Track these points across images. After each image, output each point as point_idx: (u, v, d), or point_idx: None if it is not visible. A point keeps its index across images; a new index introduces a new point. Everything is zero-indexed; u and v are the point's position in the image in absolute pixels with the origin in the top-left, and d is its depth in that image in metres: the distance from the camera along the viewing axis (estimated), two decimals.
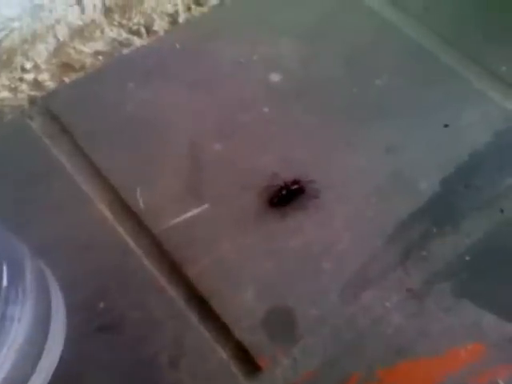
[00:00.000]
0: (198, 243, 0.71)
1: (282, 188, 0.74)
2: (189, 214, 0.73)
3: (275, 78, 0.89)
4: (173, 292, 0.67)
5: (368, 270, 0.69)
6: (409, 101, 0.83)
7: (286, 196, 0.74)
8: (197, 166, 0.78)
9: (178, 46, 0.95)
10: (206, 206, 0.74)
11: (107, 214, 0.73)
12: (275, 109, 0.84)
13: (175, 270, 0.69)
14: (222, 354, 0.61)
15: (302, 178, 0.75)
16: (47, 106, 0.84)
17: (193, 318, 0.65)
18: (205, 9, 1.02)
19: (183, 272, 0.68)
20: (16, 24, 0.91)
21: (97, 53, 0.95)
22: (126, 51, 0.95)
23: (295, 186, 0.75)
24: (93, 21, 0.99)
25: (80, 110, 0.83)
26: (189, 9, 1.03)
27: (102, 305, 0.61)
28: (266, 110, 0.84)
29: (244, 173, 0.76)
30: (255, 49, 0.91)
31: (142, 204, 0.73)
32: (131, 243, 0.71)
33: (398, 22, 0.91)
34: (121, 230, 0.72)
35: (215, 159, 0.78)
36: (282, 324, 0.64)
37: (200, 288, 0.67)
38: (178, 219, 0.72)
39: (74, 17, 0.97)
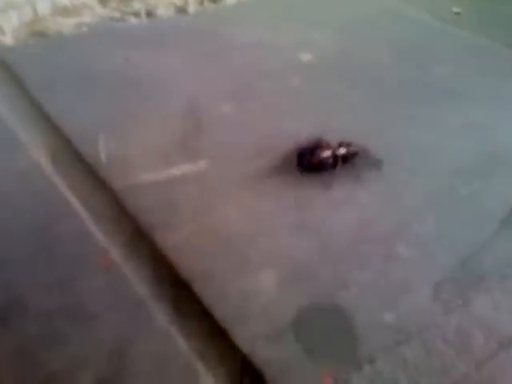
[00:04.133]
0: (183, 205, 0.43)
1: (324, 149, 0.49)
2: (175, 171, 0.46)
3: (305, 57, 0.69)
4: (132, 273, 0.37)
5: (478, 261, 0.40)
6: (479, 86, 0.65)
7: (332, 161, 0.48)
8: (195, 124, 0.53)
9: (183, 24, 0.76)
10: (202, 162, 0.47)
11: (43, 162, 0.46)
12: (306, 82, 0.62)
13: (139, 240, 0.40)
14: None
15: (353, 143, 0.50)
16: (1, 58, 0.62)
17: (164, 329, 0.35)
18: (219, 6, 0.87)
19: (152, 242, 0.39)
20: None
21: (80, 24, 0.76)
22: (118, 25, 0.76)
23: (343, 151, 0.49)
24: (84, 3, 0.82)
25: (41, 64, 0.64)
26: (201, 3, 0.87)
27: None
28: (294, 81, 0.62)
29: (262, 135, 0.52)
30: (280, 34, 0.73)
31: (103, 155, 0.47)
32: (74, 202, 0.43)
33: (437, 25, 0.77)
34: (60, 182, 0.44)
35: (222, 120, 0.54)
36: (331, 335, 0.33)
37: (178, 268, 0.37)
38: (155, 175, 0.45)
39: None
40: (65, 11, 0.80)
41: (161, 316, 0.34)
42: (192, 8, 0.86)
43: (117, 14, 0.81)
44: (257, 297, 0.36)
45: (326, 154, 0.49)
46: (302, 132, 0.53)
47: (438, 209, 0.45)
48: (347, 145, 0.50)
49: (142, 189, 0.44)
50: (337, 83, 0.64)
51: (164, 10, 0.84)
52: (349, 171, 0.49)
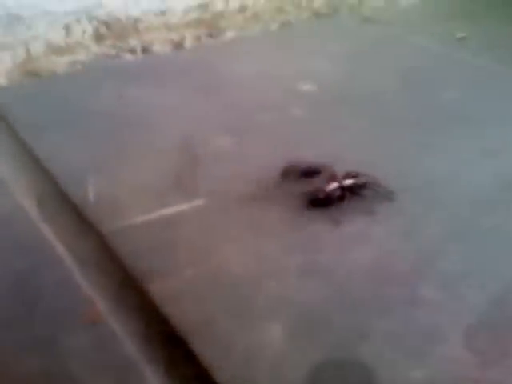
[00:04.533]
0: (178, 249, 0.39)
1: (330, 181, 0.45)
2: (169, 211, 0.42)
3: (306, 86, 0.66)
4: (120, 328, 0.33)
5: None
6: (490, 110, 0.62)
7: (340, 194, 0.44)
8: (190, 161, 0.49)
9: (179, 59, 0.74)
10: (198, 200, 0.43)
11: (28, 205, 0.42)
12: (308, 112, 0.59)
13: (129, 290, 0.35)
14: None
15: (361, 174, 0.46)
16: None
17: None
18: (217, 41, 0.85)
19: (143, 292, 0.35)
20: None
21: (74, 62, 0.74)
22: (113, 62, 0.74)
23: (350, 181, 0.45)
24: (78, 43, 0.80)
25: (31, 104, 0.62)
26: (198, 38, 0.85)
27: None
28: (296, 112, 0.59)
29: (262, 168, 0.48)
30: (280, 65, 0.72)
31: (92, 196, 0.43)
32: (59, 248, 0.39)
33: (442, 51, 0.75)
34: (45, 227, 0.40)
35: (219, 154, 0.50)
36: None
37: (173, 323, 0.33)
38: (148, 216, 0.41)
39: (57, 38, 0.79)
40: (59, 50, 0.78)
41: (153, 380, 0.30)
42: (189, 43, 0.84)
43: (112, 52, 0.80)
44: (263, 353, 0.31)
45: (333, 185, 0.45)
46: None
47: (461, 243, 0.41)
48: (354, 176, 0.46)
49: (133, 231, 0.40)
50: (340, 112, 0.61)
51: (160, 46, 0.82)
52: (358, 204, 0.44)
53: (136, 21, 0.85)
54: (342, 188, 0.45)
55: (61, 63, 0.74)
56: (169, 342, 0.32)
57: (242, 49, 0.80)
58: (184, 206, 0.43)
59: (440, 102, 0.64)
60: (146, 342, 0.32)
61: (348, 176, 0.46)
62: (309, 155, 0.51)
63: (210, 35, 0.87)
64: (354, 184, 0.45)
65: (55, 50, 0.78)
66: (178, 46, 0.82)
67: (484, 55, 0.78)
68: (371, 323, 0.34)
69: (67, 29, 0.82)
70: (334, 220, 0.43)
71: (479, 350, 0.32)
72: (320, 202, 0.44)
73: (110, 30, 0.84)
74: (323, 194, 0.44)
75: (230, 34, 0.88)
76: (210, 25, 0.90)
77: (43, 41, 0.79)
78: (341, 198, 0.45)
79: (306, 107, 0.62)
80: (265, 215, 0.42)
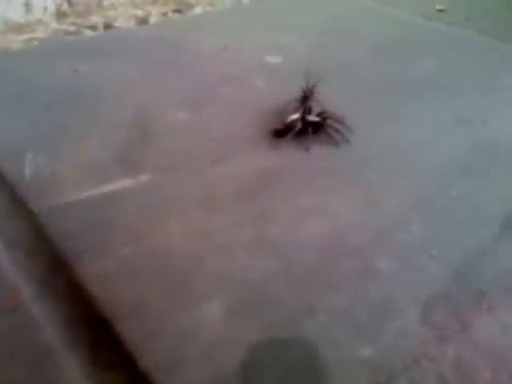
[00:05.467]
0: (117, 227, 0.36)
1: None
2: (111, 187, 0.39)
3: (273, 59, 0.63)
4: (42, 314, 0.30)
5: (476, 272, 0.32)
6: (466, 79, 0.59)
7: (301, 127, 0.46)
8: (141, 134, 0.46)
9: (142, 34, 0.70)
10: (145, 176, 0.40)
11: None
12: (273, 83, 0.56)
13: (57, 272, 0.32)
14: None
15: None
16: None
17: None
18: (184, 16, 0.81)
19: (72, 273, 0.32)
20: None
21: (31, 39, 0.70)
22: (71, 38, 0.70)
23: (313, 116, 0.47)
24: (39, 20, 0.76)
25: None
26: (165, 14, 0.81)
27: None
28: (259, 84, 0.56)
29: (219, 141, 0.46)
30: (247, 39, 0.68)
31: (28, 173, 0.40)
32: None
33: (419, 22, 0.73)
34: None
35: (174, 128, 0.47)
36: (293, 376, 0.26)
37: (101, 305, 0.30)
38: (87, 193, 0.38)
39: (17, 15, 0.75)
40: (18, 28, 0.75)
41: (72, 368, 0.27)
42: (154, 19, 0.80)
43: (73, 29, 0.76)
44: (198, 336, 0.28)
45: (293, 117, 0.46)
46: (263, 136, 0.46)
47: (425, 213, 0.38)
48: (321, 113, 0.47)
49: (68, 209, 0.37)
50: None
51: (124, 22, 0.79)
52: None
53: None
54: (305, 121, 0.46)
55: (17, 41, 0.70)
56: (94, 326, 0.29)
57: (210, 24, 0.76)
58: (127, 182, 0.40)
59: (415, 73, 0.61)
60: (70, 327, 0.29)
61: (319, 114, 0.47)
62: (266, 127, 0.48)
63: (178, 11, 0.83)
64: (317, 120, 0.46)
65: (14, 27, 0.74)
66: (143, 21, 0.79)
67: (463, 27, 0.75)
68: (319, 299, 0.31)
69: (27, 6, 0.78)
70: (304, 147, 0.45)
71: (437, 324, 0.29)
72: (280, 132, 0.46)
73: (72, 7, 0.80)
74: (283, 124, 0.46)
75: (198, 10, 0.84)
76: (179, 0, 0.86)
77: (1, 18, 0.75)
78: (303, 131, 0.46)
79: (270, 79, 0.59)
80: (216, 190, 0.39)
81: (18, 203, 0.38)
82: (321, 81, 0.49)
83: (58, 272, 0.32)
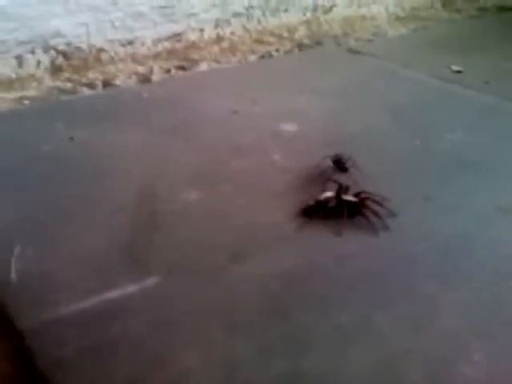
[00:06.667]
0: (118, 357, 0.29)
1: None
2: (112, 294, 0.32)
3: (288, 127, 0.58)
4: None
5: None
6: (499, 155, 0.55)
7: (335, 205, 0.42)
8: (147, 222, 0.40)
9: (144, 94, 0.65)
10: (152, 279, 0.34)
11: None
12: (290, 158, 0.51)
13: None
14: None
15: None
16: None
17: None
18: (188, 73, 0.77)
19: None
20: None
21: (21, 98, 0.64)
22: (66, 98, 0.64)
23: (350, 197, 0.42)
24: (31, 76, 0.71)
25: None
26: (168, 71, 0.76)
27: None
28: (276, 157, 0.51)
29: (238, 231, 0.40)
30: (259, 102, 0.64)
31: (14, 272, 0.33)
32: None
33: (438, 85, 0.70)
34: None
35: (185, 213, 0.41)
36: None
37: None
38: (82, 302, 0.32)
39: (7, 69, 0.70)
40: (7, 84, 0.69)
41: None
42: (157, 77, 0.76)
43: (68, 86, 0.70)
44: None
45: (327, 194, 0.42)
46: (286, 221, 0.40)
47: (489, 337, 0.32)
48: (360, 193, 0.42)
49: (61, 327, 0.30)
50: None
51: (124, 80, 0.74)
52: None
53: (99, 51, 0.77)
54: (340, 200, 0.41)
55: (6, 99, 0.65)
56: None
57: (216, 83, 0.72)
58: (132, 288, 0.33)
59: (443, 145, 0.56)
60: None
61: (356, 194, 0.42)
62: (291, 212, 0.42)
63: (182, 68, 0.79)
64: (354, 200, 0.41)
65: (4, 83, 0.69)
66: (145, 79, 0.74)
67: (483, 91, 0.71)
68: None
69: (19, 59, 0.72)
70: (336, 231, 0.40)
71: None
72: (310, 210, 0.42)
73: (68, 61, 0.75)
74: (314, 200, 0.42)
75: (203, 66, 0.80)
76: (182, 56, 0.82)
77: None
78: (338, 211, 0.41)
79: (287, 151, 0.53)
80: (240, 301, 0.33)
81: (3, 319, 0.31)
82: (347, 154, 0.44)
83: None
